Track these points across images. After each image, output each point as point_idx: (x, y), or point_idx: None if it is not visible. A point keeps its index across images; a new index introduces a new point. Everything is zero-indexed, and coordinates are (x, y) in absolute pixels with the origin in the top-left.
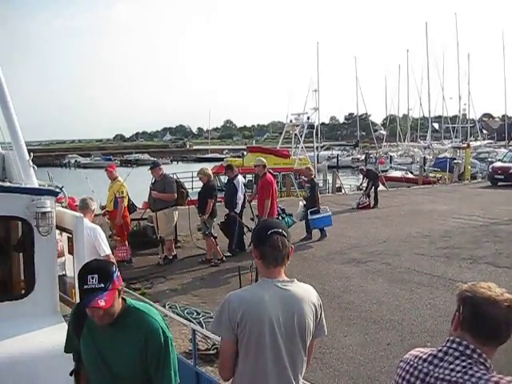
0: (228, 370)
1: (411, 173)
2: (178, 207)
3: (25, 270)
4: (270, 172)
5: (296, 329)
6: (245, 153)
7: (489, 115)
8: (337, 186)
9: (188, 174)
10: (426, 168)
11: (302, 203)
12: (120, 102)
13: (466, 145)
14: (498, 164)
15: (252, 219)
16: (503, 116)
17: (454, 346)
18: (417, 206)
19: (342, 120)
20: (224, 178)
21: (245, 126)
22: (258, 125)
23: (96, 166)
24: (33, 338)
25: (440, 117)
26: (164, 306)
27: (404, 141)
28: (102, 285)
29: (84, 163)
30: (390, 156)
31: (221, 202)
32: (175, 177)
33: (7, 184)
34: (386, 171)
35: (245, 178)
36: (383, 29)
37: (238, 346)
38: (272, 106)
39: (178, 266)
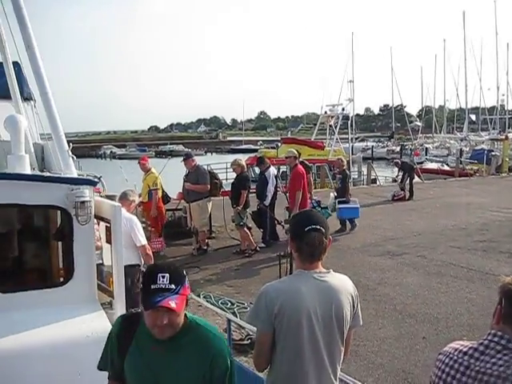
0: (264, 360)
1: (447, 165)
2: (212, 198)
3: (64, 258)
4: (303, 163)
5: (334, 320)
6: (279, 144)
7: None
8: (372, 177)
9: (222, 165)
10: (462, 160)
11: (333, 194)
12: (154, 93)
13: (504, 136)
14: None
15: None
16: None
17: (496, 339)
18: (453, 199)
19: (376, 111)
20: (257, 169)
21: (279, 117)
22: (292, 116)
23: (131, 157)
24: (71, 325)
25: (477, 108)
26: (198, 296)
27: (440, 132)
28: (173, 286)
29: (119, 154)
30: (426, 148)
31: (254, 192)
32: (208, 168)
33: (47, 174)
34: (422, 163)
35: (279, 169)
36: (419, 18)
37: (274, 338)
38: (306, 96)
39: (212, 256)
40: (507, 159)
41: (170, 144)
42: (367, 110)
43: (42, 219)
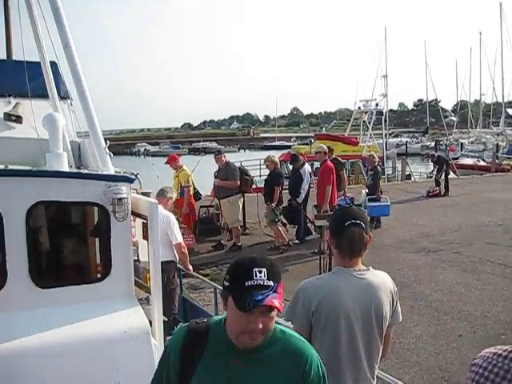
0: None
1: (483, 160)
2: (245, 194)
3: (101, 254)
4: (336, 159)
5: (373, 318)
6: (312, 140)
7: None
8: (406, 173)
9: (255, 162)
10: (499, 155)
11: (364, 191)
12: (187, 90)
13: None
14: None
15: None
16: None
17: None
18: (489, 195)
19: (410, 106)
20: (291, 166)
21: (312, 114)
22: (325, 112)
23: (165, 154)
24: (109, 321)
25: None
26: None
27: (476, 127)
28: (272, 283)
29: (153, 151)
30: (461, 143)
31: (286, 189)
32: (239, 164)
33: (85, 171)
34: (457, 158)
35: (312, 165)
36: (453, 11)
37: (311, 335)
38: (339, 92)
39: (245, 252)
40: None
41: (204, 141)
42: (401, 105)
43: (80, 216)
